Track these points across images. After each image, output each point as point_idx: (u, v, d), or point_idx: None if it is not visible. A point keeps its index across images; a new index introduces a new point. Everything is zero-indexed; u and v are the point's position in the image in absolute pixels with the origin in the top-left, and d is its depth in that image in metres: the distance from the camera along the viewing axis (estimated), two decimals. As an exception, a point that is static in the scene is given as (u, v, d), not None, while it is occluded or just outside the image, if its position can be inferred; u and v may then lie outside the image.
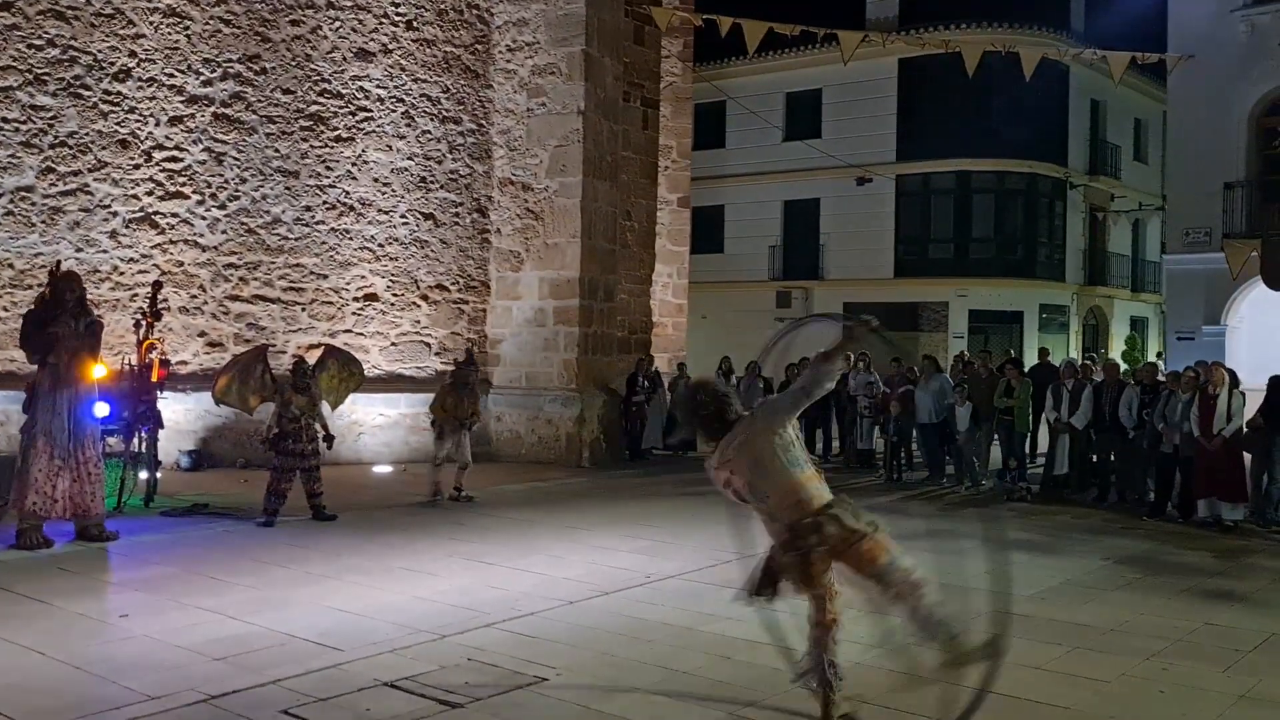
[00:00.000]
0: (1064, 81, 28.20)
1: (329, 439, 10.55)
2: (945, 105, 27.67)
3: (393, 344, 15.76)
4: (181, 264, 14.37)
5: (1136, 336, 32.10)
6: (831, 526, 4.54)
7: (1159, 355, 17.31)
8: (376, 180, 15.64)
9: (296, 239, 15.09)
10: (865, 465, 15.75)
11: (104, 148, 13.87)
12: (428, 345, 16.02)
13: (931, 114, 28.24)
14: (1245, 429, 11.08)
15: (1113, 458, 12.95)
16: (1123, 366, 15.41)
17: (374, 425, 15.17)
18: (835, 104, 29.77)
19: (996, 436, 13.81)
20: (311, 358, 11.38)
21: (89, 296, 12.24)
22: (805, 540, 4.54)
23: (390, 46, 15.73)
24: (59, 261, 10.50)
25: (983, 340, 26.47)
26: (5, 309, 13.25)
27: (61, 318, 8.94)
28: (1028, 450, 14.54)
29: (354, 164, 15.47)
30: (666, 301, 20.87)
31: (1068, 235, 29.94)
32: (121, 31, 13.95)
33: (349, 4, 15.39)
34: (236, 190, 14.70)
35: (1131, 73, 22.56)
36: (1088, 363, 15.03)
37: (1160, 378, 12.80)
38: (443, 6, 16.11)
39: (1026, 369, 14.95)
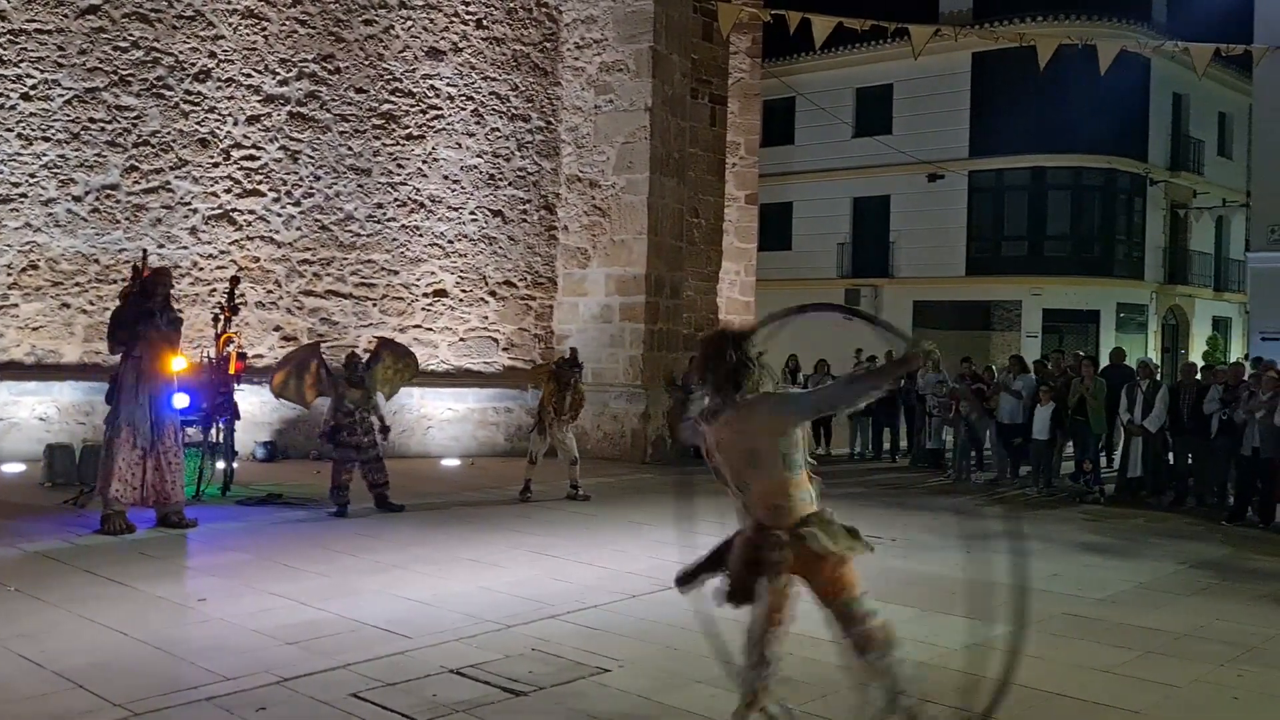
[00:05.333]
0: (1144, 75, 27.50)
1: (385, 431, 10.68)
2: (1020, 100, 27.15)
3: (461, 339, 15.98)
4: (258, 260, 14.72)
5: (1219, 337, 31.22)
6: (796, 547, 4.08)
7: (1246, 357, 16.79)
8: (446, 177, 15.85)
9: (368, 235, 15.37)
10: (933, 464, 15.58)
11: (184, 146, 14.28)
12: (495, 341, 16.20)
13: (1006, 109, 27.74)
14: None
15: (1190, 460, 12.64)
16: (1200, 365, 14.97)
17: (442, 419, 15.39)
18: (906, 99, 29.42)
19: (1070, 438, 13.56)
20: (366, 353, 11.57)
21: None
22: (767, 554, 4.11)
23: (460, 45, 15.93)
24: (145, 253, 10.80)
25: (1057, 340, 25.97)
26: (91, 303, 13.70)
27: (152, 317, 9.21)
28: (1103, 452, 14.24)
29: (424, 161, 15.70)
30: (734, 299, 20.81)
31: (1147, 232, 29.22)
32: (202, 33, 14.33)
33: (420, 3, 15.62)
34: (311, 188, 15.02)
35: (1216, 65, 21.93)
36: (1154, 365, 14.63)
37: (1244, 378, 12.44)
38: (512, 5, 16.27)
39: (1129, 368, 14.59)
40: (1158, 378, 13.06)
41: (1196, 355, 28.07)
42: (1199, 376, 12.83)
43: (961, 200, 28.87)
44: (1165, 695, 5.53)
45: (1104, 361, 17.99)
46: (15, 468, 12.30)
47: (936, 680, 5.57)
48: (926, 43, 17.65)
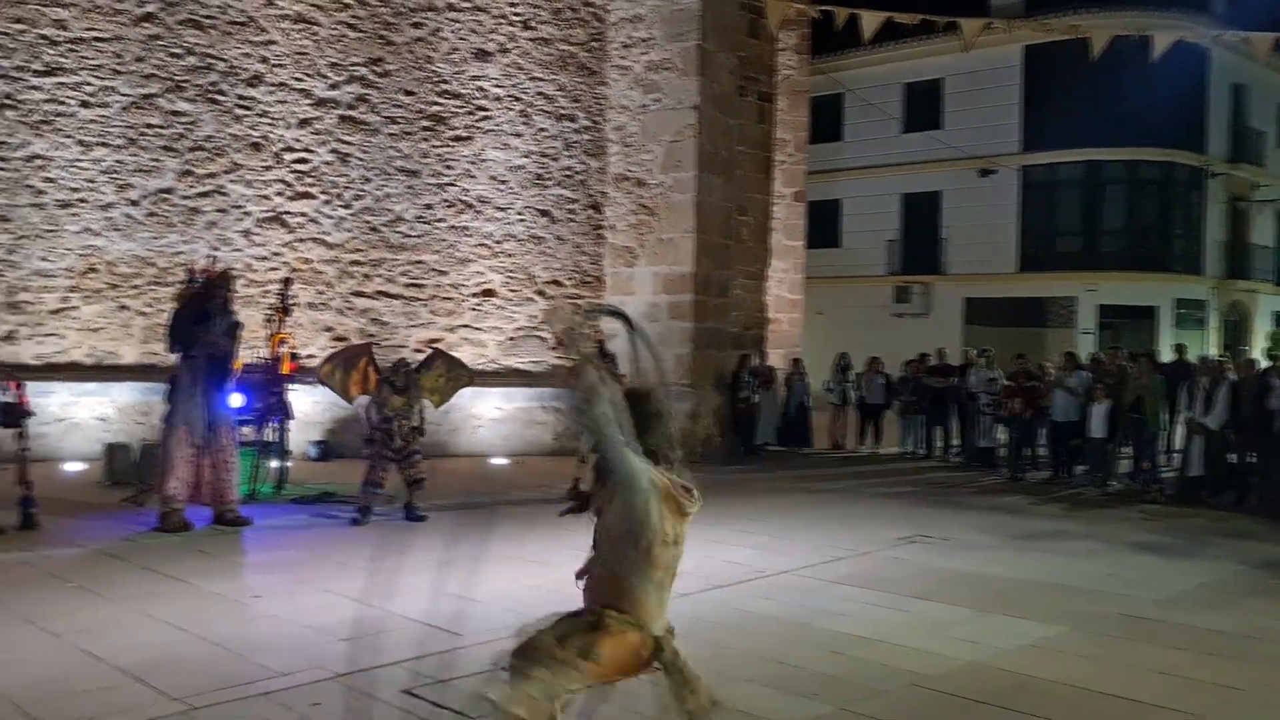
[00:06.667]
0: (1203, 65, 26.92)
1: (418, 430, 10.36)
2: (1074, 93, 26.70)
3: (510, 339, 16.06)
4: (309, 261, 14.91)
5: (1281, 333, 30.52)
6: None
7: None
8: (494, 178, 15.95)
9: (418, 236, 15.50)
10: (986, 463, 15.37)
11: (238, 150, 14.49)
12: (543, 340, 16.26)
13: (1059, 102, 27.31)
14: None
15: (1253, 459, 12.35)
16: (1263, 363, 14.63)
17: (491, 419, 15.47)
18: (957, 94, 29.08)
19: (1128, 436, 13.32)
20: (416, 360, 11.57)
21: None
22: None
23: (508, 46, 16.01)
24: (213, 258, 10.95)
25: (1113, 337, 25.55)
26: (148, 305, 13.95)
27: (208, 320, 9.38)
28: (1163, 450, 13.97)
29: (472, 162, 15.81)
30: (782, 297, 20.71)
31: (1206, 226, 28.62)
32: (254, 39, 14.54)
33: (468, 5, 15.73)
34: (361, 190, 15.18)
35: (1278, 55, 21.42)
36: (1223, 360, 14.31)
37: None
38: (559, 5, 16.32)
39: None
40: (1229, 375, 12.67)
41: (1258, 351, 27.42)
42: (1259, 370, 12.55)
43: (1014, 195, 28.49)
44: (1224, 697, 5.40)
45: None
46: (76, 467, 12.58)
47: (986, 681, 5.50)
48: (978, 36, 17.42)
